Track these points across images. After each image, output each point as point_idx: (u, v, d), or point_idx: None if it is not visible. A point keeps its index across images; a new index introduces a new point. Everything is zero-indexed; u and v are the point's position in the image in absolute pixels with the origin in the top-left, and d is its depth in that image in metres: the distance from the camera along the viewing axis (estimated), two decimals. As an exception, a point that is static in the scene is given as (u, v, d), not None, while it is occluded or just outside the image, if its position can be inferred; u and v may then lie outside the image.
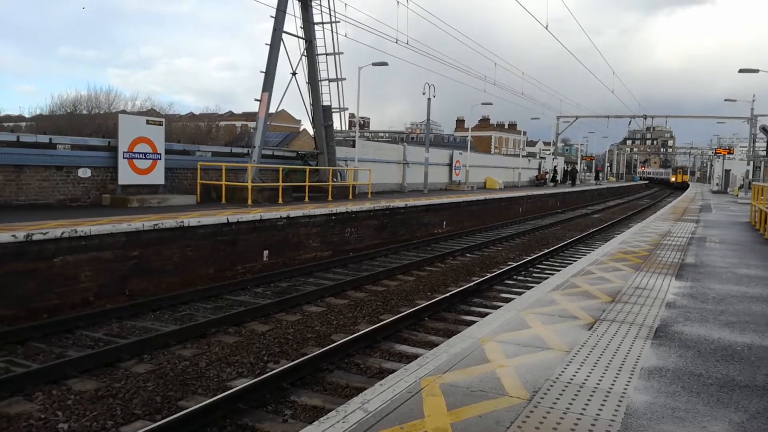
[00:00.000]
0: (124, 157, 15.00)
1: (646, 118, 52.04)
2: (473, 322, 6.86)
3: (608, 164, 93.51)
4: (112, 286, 10.25)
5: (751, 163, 41.04)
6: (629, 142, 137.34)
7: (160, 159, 15.94)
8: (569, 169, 56.16)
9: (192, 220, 11.81)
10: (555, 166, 53.79)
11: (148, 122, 16.02)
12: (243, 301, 10.52)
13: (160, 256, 11.15)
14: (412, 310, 9.51)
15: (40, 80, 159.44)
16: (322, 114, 21.28)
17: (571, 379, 4.12)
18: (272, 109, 19.58)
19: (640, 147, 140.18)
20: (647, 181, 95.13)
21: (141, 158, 15.41)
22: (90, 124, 34.12)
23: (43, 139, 14.13)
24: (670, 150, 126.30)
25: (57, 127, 27.25)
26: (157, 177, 15.98)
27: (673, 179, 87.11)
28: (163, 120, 17.33)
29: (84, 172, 14.64)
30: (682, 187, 73.63)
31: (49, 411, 5.78)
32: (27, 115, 48.52)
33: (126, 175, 15.11)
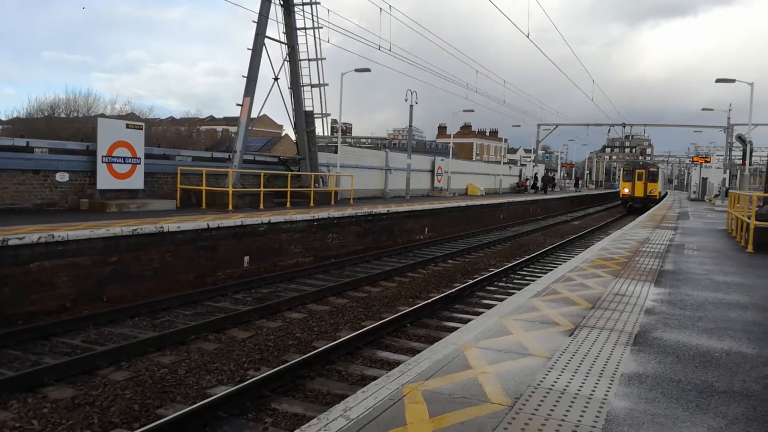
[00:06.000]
0: (102, 162, 14.81)
1: (624, 127, 52.77)
2: (455, 329, 6.87)
3: (588, 172, 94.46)
4: (89, 292, 10.10)
5: (728, 171, 41.74)
6: (608, 150, 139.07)
7: (140, 163, 15.77)
8: (543, 176, 54.19)
9: (172, 225, 11.69)
10: (536, 173, 54.21)
11: (127, 126, 15.85)
12: (223, 307, 10.42)
13: (139, 262, 11.02)
14: (394, 316, 9.50)
15: (23, 83, 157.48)
16: (304, 119, 21.24)
17: (553, 386, 4.14)
18: (254, 114, 19.51)
19: (619, 155, 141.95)
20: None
21: (120, 162, 15.23)
22: (68, 127, 33.58)
23: (20, 142, 13.93)
24: (648, 158, 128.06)
25: (34, 131, 26.77)
26: (137, 181, 15.80)
27: (625, 191, 43.31)
28: (142, 124, 17.14)
29: (62, 177, 14.43)
30: (641, 208, 39.24)
31: (24, 419, 5.67)
32: (3, 118, 47.67)
33: (105, 180, 14.92)
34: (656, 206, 34.65)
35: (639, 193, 42.57)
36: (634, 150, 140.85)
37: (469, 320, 7.44)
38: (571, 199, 47.74)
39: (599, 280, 8.42)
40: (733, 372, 4.59)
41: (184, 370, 7.19)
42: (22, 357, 7.52)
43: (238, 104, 18.91)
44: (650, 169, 43.84)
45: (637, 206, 41.32)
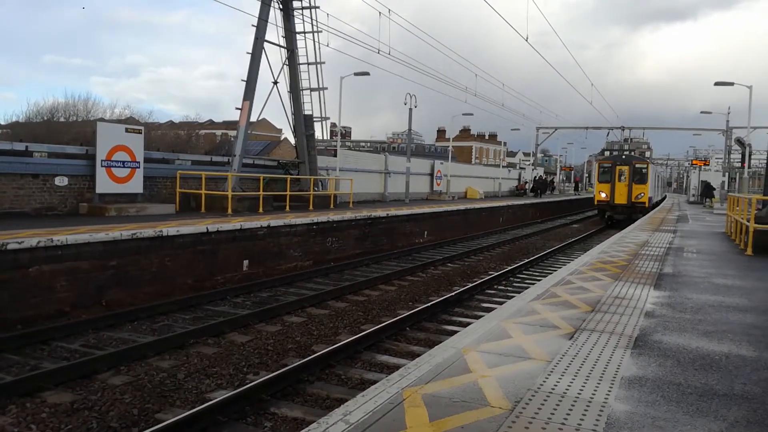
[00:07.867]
0: (102, 166, 14.81)
1: (623, 130, 52.87)
2: (455, 332, 6.86)
3: (587, 175, 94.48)
4: (88, 297, 10.08)
5: (727, 174, 41.79)
6: (607, 153, 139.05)
7: (139, 167, 15.76)
8: (536, 179, 50.40)
9: (171, 229, 11.68)
10: (535, 177, 54.10)
11: (126, 130, 15.85)
12: (222, 311, 10.41)
13: (138, 266, 11.00)
14: (394, 320, 9.48)
15: (23, 87, 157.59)
16: (303, 123, 21.25)
17: (553, 389, 4.12)
18: (253, 118, 19.52)
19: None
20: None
21: (119, 166, 15.23)
22: (67, 131, 33.59)
23: (19, 146, 13.92)
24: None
25: (33, 135, 26.77)
26: (136, 185, 15.79)
27: (601, 196, 31.06)
28: (142, 128, 17.16)
29: (61, 181, 14.42)
30: (625, 219, 29.74)
31: (23, 424, 5.65)
32: (2, 122, 47.65)
33: (104, 184, 14.91)
34: (649, 214, 27.99)
35: (621, 198, 30.44)
36: (633, 153, 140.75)
37: (469, 324, 7.43)
38: (570, 203, 47.70)
39: (599, 284, 8.41)
40: (733, 375, 4.58)
41: (183, 374, 7.18)
42: (21, 361, 7.50)
43: (237, 108, 18.93)
44: (636, 165, 31.01)
45: (618, 218, 30.71)
